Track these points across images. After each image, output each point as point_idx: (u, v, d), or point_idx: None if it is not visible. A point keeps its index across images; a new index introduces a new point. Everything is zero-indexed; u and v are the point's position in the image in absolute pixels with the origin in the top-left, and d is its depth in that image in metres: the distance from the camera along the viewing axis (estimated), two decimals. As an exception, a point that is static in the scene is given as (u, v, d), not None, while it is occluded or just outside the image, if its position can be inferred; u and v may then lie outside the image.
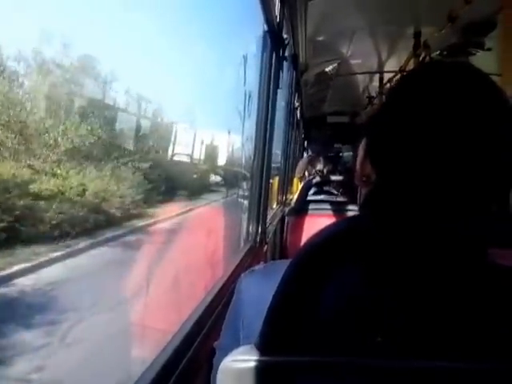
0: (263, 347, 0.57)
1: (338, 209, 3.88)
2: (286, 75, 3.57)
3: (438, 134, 0.59)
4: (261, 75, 2.42)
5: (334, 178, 4.69)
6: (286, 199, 5.05)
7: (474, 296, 0.57)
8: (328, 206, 3.97)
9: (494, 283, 0.58)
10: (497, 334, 0.56)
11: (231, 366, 0.58)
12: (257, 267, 0.79)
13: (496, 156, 0.59)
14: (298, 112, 5.63)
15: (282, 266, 0.59)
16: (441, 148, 0.59)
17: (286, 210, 4.45)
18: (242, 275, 0.75)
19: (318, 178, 4.60)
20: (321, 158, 5.30)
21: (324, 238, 0.58)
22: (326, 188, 4.47)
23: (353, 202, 3.89)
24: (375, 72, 4.77)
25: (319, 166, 5.20)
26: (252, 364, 0.56)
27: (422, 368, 0.55)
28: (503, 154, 0.60)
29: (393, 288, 0.58)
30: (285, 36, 2.61)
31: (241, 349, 0.59)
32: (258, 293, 0.66)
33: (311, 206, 3.97)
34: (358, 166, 0.72)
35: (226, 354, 0.59)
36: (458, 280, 0.57)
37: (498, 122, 0.60)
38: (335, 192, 4.49)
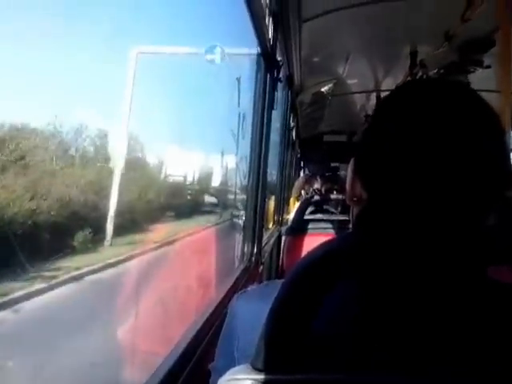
0: (259, 366, 0.57)
1: (336, 227, 3.83)
2: (280, 96, 3.58)
3: (426, 151, 0.58)
4: (255, 96, 2.44)
5: (333, 196, 4.64)
6: (283, 219, 5.02)
7: (472, 313, 0.57)
8: (326, 225, 3.92)
9: (494, 300, 0.58)
10: (500, 352, 0.55)
11: None
12: (250, 288, 0.79)
13: (484, 171, 0.59)
14: (294, 132, 5.65)
15: (276, 285, 0.59)
16: (429, 164, 0.58)
17: (283, 229, 4.40)
18: (235, 296, 0.75)
19: (316, 197, 4.55)
20: (318, 177, 5.28)
21: (318, 255, 0.58)
22: (324, 207, 4.41)
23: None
24: (372, 91, 4.78)
25: (316, 185, 5.17)
26: (249, 383, 0.56)
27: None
28: (491, 169, 0.59)
29: (389, 305, 0.58)
30: (279, 58, 2.64)
31: (237, 368, 0.59)
32: (252, 313, 0.66)
33: (309, 226, 3.92)
34: (348, 186, 0.72)
35: (220, 376, 0.59)
36: (456, 297, 0.58)
37: (486, 137, 0.60)
38: (334, 211, 4.44)
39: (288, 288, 0.58)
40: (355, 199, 0.69)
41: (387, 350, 0.56)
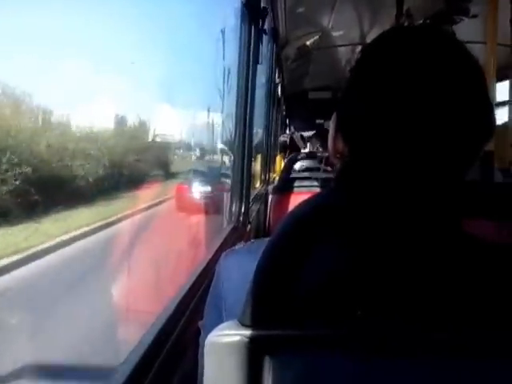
0: (247, 322, 0.58)
1: (322, 185, 3.80)
2: (265, 50, 3.50)
3: (405, 103, 0.57)
4: (240, 50, 2.34)
5: (321, 154, 4.59)
6: (270, 178, 4.99)
7: (449, 267, 0.58)
8: (312, 183, 3.89)
9: (466, 254, 0.59)
10: (472, 303, 0.57)
11: (216, 341, 0.59)
12: (237, 246, 0.79)
13: (465, 124, 0.58)
14: (280, 88, 5.55)
15: (262, 243, 0.60)
16: (409, 117, 0.57)
17: (269, 188, 4.39)
18: (223, 254, 0.76)
19: (303, 155, 4.52)
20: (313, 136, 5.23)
21: (301, 214, 0.59)
22: (317, 165, 4.34)
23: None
24: (358, 44, 4.68)
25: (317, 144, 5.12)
26: (237, 338, 0.58)
27: (401, 339, 0.56)
28: (472, 122, 0.59)
29: (370, 261, 0.59)
30: (263, 8, 2.53)
31: (225, 324, 0.61)
32: (239, 271, 0.67)
33: (295, 184, 3.89)
34: (330, 142, 0.72)
35: (209, 333, 0.60)
36: (433, 251, 0.58)
37: (468, 89, 0.59)
38: (327, 168, 4.37)
39: (274, 245, 0.58)
40: (338, 155, 0.69)
41: (370, 305, 0.57)
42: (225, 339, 0.59)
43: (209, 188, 6.57)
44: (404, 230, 0.59)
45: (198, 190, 6.63)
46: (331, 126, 0.71)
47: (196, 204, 6.31)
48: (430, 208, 0.58)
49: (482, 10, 2.97)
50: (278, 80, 5.03)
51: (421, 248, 0.59)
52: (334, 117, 0.69)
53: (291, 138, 5.98)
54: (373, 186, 0.61)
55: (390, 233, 0.59)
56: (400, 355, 0.56)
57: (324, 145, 4.96)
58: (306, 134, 5.52)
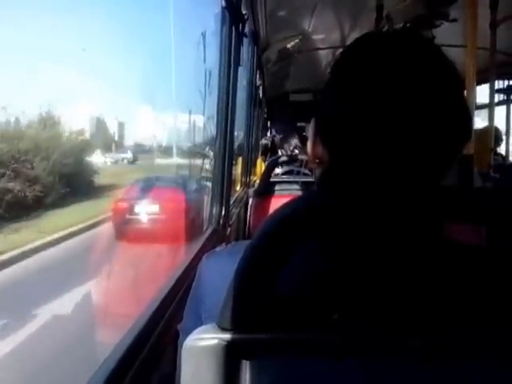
0: (225, 325, 0.58)
1: (303, 188, 3.80)
2: (246, 53, 3.50)
3: (384, 107, 0.58)
4: (220, 53, 2.35)
5: (301, 157, 4.58)
6: (250, 181, 4.98)
7: (430, 271, 0.59)
8: (293, 187, 3.88)
9: (447, 258, 0.60)
10: (451, 310, 0.57)
11: (194, 344, 0.59)
12: (218, 248, 0.80)
13: (443, 128, 0.59)
14: (261, 91, 5.56)
15: (243, 245, 0.60)
16: (388, 121, 0.58)
17: (250, 191, 4.37)
18: (205, 256, 0.75)
19: (283, 158, 4.49)
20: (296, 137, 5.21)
21: (282, 215, 0.58)
22: (298, 169, 4.32)
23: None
24: (338, 47, 4.70)
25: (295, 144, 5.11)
26: (214, 342, 0.58)
27: (379, 342, 0.56)
28: (450, 126, 0.59)
29: (351, 263, 0.59)
30: (244, 12, 2.55)
31: (203, 328, 0.60)
32: (220, 273, 0.67)
33: (276, 187, 3.87)
34: (309, 147, 0.72)
35: (188, 336, 0.60)
36: (413, 255, 0.59)
37: (446, 93, 0.59)
38: (307, 172, 4.36)
39: (254, 247, 0.58)
40: (317, 161, 0.69)
41: (350, 306, 0.58)
42: (202, 343, 0.58)
43: (157, 207, 5.12)
44: (385, 232, 0.58)
45: (144, 210, 5.00)
46: (310, 130, 0.70)
47: (141, 230, 4.78)
48: (411, 210, 0.58)
49: (461, 14, 3.00)
50: (259, 82, 5.04)
51: (401, 251, 0.59)
52: (312, 122, 0.69)
53: (272, 141, 5.99)
54: (353, 187, 0.61)
55: (372, 235, 0.59)
56: (377, 359, 0.56)
57: (302, 146, 4.94)
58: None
